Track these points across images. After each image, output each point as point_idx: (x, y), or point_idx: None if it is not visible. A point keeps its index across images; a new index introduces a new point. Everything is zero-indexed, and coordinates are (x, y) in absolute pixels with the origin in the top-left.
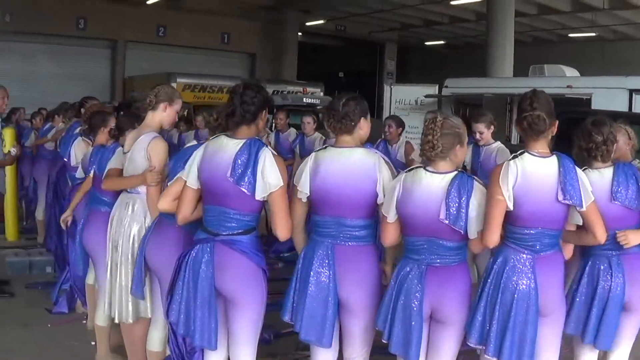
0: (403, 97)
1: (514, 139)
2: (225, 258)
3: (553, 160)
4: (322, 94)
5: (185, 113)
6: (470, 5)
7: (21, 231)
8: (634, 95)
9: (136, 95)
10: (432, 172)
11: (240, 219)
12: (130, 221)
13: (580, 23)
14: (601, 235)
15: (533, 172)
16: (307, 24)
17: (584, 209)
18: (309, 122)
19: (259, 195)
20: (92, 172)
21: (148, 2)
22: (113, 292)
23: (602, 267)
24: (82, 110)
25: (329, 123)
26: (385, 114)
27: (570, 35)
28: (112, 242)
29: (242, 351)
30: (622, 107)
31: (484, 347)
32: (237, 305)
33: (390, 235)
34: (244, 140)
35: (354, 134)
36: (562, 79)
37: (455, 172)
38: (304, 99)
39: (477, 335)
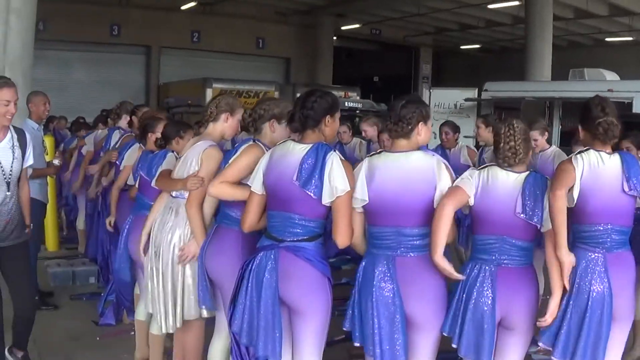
0: (442, 101)
1: (555, 142)
2: (290, 266)
3: (615, 156)
4: (358, 98)
5: None
6: (507, 9)
7: (61, 241)
8: None
9: (171, 102)
10: (509, 170)
11: (305, 224)
12: (173, 226)
13: (617, 27)
14: None
15: (598, 166)
16: (343, 28)
17: None
18: (344, 131)
19: (326, 200)
20: (138, 177)
21: (182, 8)
22: (154, 301)
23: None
24: (134, 117)
25: (386, 125)
26: None
27: (607, 39)
28: (153, 248)
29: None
30: None
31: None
32: (301, 315)
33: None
34: (310, 145)
35: (410, 138)
36: (603, 83)
37: (529, 171)
38: (346, 103)
39: (550, 336)
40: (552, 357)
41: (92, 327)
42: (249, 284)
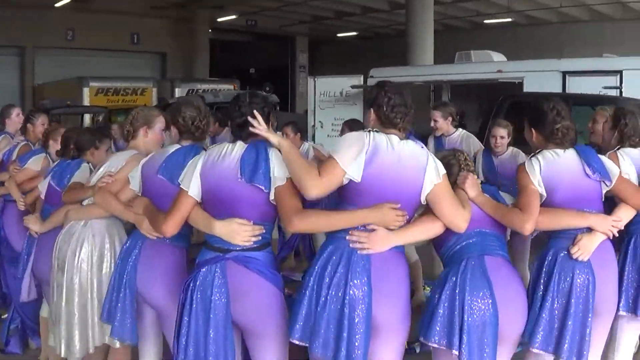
0: (328, 90)
1: None
2: (241, 281)
3: (570, 149)
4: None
5: (100, 119)
6: None
7: None
8: (567, 77)
9: (47, 104)
10: None
11: None
12: (80, 238)
13: (496, 9)
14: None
15: (554, 159)
16: (219, 19)
17: (613, 184)
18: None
19: (273, 194)
20: (46, 184)
21: (56, 5)
22: (58, 323)
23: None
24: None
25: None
26: (310, 107)
27: (485, 21)
28: (56, 261)
29: None
30: (556, 89)
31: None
32: (260, 337)
33: None
34: (248, 144)
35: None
36: (491, 64)
37: None
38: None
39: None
40: (533, 349)
41: None
42: (194, 305)
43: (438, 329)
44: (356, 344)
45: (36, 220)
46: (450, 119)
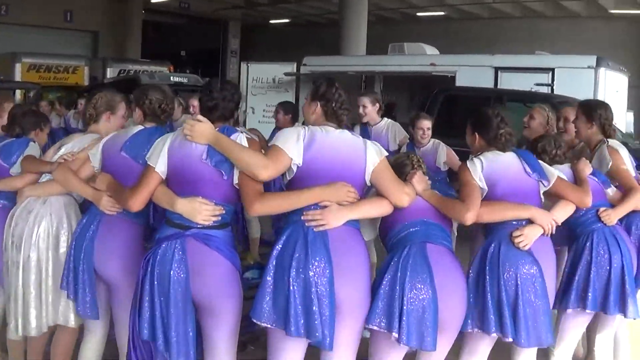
0: (260, 76)
1: None
2: (200, 258)
3: (509, 152)
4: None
5: (32, 95)
6: None
7: None
8: (499, 72)
9: None
10: None
11: None
12: (38, 215)
13: (428, 2)
14: (583, 198)
15: (494, 158)
16: (153, 1)
17: (551, 184)
18: (194, 104)
19: (236, 180)
20: None
21: None
22: (11, 300)
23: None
24: None
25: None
26: (242, 92)
27: (418, 14)
28: (11, 238)
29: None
30: (487, 84)
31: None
32: (214, 315)
33: None
34: (217, 127)
35: None
36: (424, 57)
37: None
38: (171, 77)
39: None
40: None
41: None
42: (155, 281)
43: (378, 311)
44: (326, 324)
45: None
46: (377, 106)
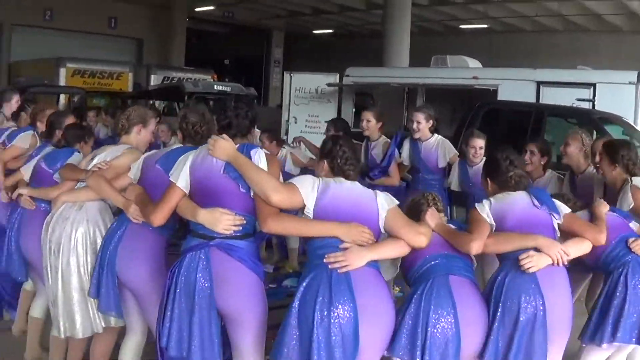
0: (303, 86)
1: None
2: (224, 268)
3: (521, 191)
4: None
5: (76, 99)
6: None
7: None
8: (541, 87)
9: (22, 82)
10: None
11: None
12: (75, 221)
13: (472, 14)
14: (596, 235)
15: (504, 197)
16: (197, 9)
17: (562, 218)
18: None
19: (253, 192)
20: (30, 168)
21: None
22: (54, 302)
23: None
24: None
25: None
26: (285, 102)
27: (461, 26)
28: (49, 244)
29: None
30: (529, 98)
31: None
32: (240, 324)
33: None
34: (237, 145)
35: None
36: (466, 70)
37: None
38: (215, 86)
39: None
40: None
41: None
42: (177, 290)
43: (401, 343)
44: None
45: (25, 186)
46: (430, 122)
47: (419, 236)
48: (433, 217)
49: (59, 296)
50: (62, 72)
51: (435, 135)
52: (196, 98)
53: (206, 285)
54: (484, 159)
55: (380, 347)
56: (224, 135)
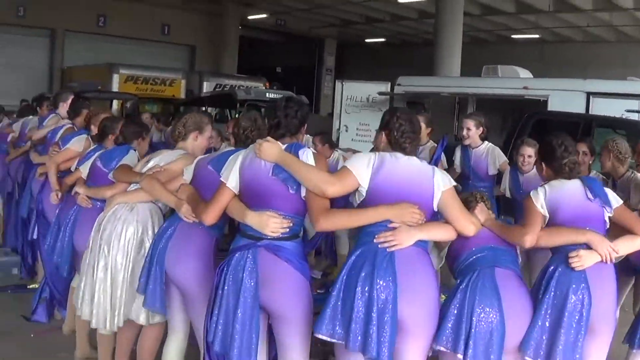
0: (355, 94)
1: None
2: (271, 268)
3: (575, 179)
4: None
5: (128, 105)
6: (415, 3)
7: None
8: (591, 97)
9: (76, 86)
10: None
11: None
12: (126, 221)
13: (523, 24)
14: None
15: (559, 186)
16: (250, 17)
17: (614, 210)
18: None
19: (304, 192)
20: (86, 170)
21: None
22: (100, 298)
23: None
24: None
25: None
26: (337, 110)
27: (513, 36)
28: (99, 241)
29: None
30: (579, 110)
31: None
32: (286, 321)
33: None
34: (284, 145)
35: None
36: (517, 80)
37: None
38: (267, 94)
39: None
40: (526, 357)
41: (23, 323)
42: (225, 287)
43: (446, 333)
44: (384, 342)
45: (83, 185)
46: (481, 129)
47: (469, 224)
48: (483, 212)
49: (98, 290)
50: (116, 78)
51: (486, 142)
52: (248, 106)
53: (252, 284)
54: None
55: (424, 324)
56: (269, 138)
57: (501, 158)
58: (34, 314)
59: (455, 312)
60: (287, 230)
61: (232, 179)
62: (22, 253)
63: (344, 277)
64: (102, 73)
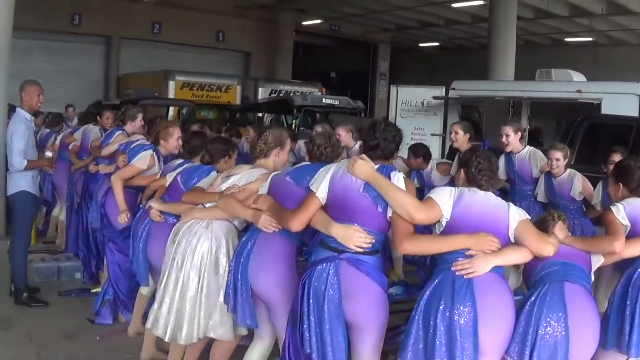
0: (409, 99)
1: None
2: (353, 282)
3: None
4: (319, 93)
5: (184, 111)
6: (468, 8)
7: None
8: None
9: (131, 93)
10: None
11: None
12: (201, 237)
13: (576, 27)
14: None
15: (635, 201)
16: (304, 23)
17: None
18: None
19: (390, 212)
20: (170, 180)
21: None
22: (172, 311)
23: None
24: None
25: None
26: (392, 115)
27: (566, 39)
28: (173, 254)
29: None
30: (632, 112)
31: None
32: (363, 331)
33: None
34: (377, 165)
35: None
36: (571, 84)
37: None
38: (323, 99)
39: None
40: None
41: (88, 325)
42: (310, 300)
43: (513, 343)
44: None
45: (158, 199)
46: (519, 134)
47: (547, 245)
48: (562, 229)
49: (174, 304)
50: (171, 84)
51: (528, 147)
52: (305, 112)
53: (335, 296)
54: (569, 171)
55: (501, 350)
56: (364, 156)
57: (543, 160)
58: (97, 315)
59: (523, 323)
60: (370, 245)
61: (322, 190)
62: (84, 259)
63: (424, 304)
64: (158, 80)
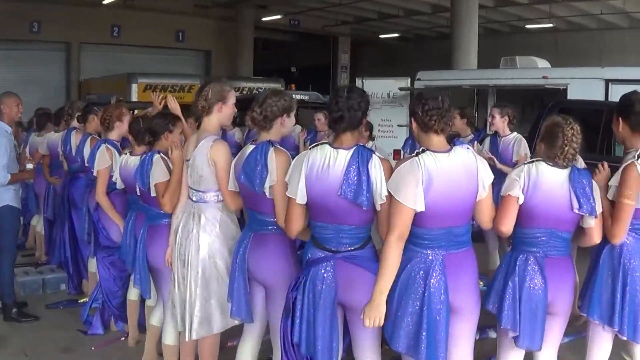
0: (375, 91)
1: (489, 127)
2: (349, 275)
3: None
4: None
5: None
6: None
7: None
8: (610, 85)
9: (95, 99)
10: (555, 167)
11: (357, 234)
12: (198, 233)
13: (537, 14)
14: None
15: None
16: (264, 19)
17: None
18: (319, 118)
19: (377, 207)
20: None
21: (104, 2)
22: (183, 310)
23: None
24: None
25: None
26: None
27: (526, 26)
28: (179, 256)
29: (371, 355)
30: (598, 97)
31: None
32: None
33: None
34: (350, 152)
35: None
36: (536, 70)
37: (570, 167)
38: (294, 95)
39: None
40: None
41: (81, 337)
42: (305, 298)
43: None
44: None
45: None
46: (506, 119)
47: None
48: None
49: (186, 302)
50: (134, 87)
51: (515, 133)
52: None
53: (330, 292)
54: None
55: (472, 312)
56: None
57: (525, 150)
58: (87, 325)
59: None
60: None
61: (300, 195)
62: (70, 269)
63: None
64: (120, 83)
